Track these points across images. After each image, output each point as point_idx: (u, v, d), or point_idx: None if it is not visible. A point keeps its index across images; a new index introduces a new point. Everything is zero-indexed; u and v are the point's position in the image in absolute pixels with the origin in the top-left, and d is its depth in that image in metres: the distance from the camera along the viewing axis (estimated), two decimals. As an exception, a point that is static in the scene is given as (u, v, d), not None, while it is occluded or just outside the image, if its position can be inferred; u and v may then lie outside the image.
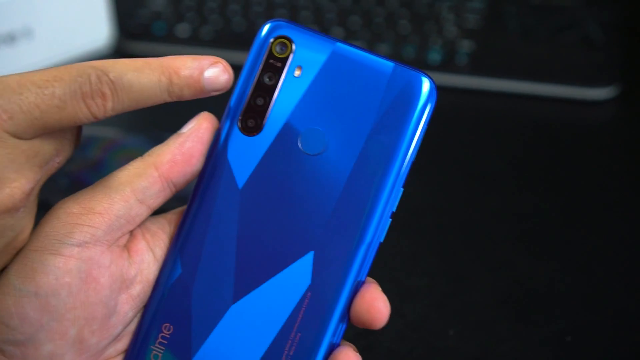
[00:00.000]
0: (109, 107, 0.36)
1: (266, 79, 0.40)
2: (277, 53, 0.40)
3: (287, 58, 0.40)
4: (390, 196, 0.39)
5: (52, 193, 0.58)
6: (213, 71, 0.38)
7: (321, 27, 0.82)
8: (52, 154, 0.36)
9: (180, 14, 0.84)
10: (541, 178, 0.67)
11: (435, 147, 0.68)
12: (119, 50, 0.82)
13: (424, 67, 0.78)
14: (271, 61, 0.40)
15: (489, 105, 0.77)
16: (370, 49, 0.77)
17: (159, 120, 0.71)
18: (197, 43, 0.81)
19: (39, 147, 0.35)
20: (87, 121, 0.36)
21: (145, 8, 0.85)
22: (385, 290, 0.53)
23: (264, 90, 0.40)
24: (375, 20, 0.83)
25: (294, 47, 0.40)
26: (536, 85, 0.77)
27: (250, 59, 0.40)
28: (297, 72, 0.40)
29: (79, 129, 0.39)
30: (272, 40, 0.40)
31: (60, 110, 0.34)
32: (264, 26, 0.41)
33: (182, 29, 0.82)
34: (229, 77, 0.39)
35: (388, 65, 0.40)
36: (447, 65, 0.78)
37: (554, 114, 0.75)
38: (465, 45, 0.80)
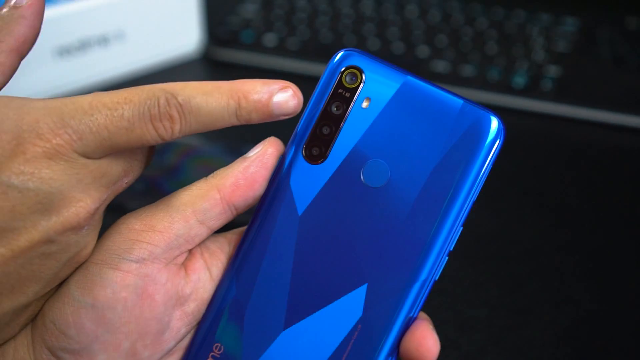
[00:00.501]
0: (176, 129, 0.36)
1: (334, 109, 0.40)
2: (347, 83, 0.40)
3: (356, 89, 0.40)
4: (449, 235, 0.39)
5: (128, 197, 0.60)
6: (282, 96, 0.39)
7: (407, 44, 0.82)
8: (120, 175, 0.37)
9: (270, 23, 0.85)
10: (618, 214, 0.65)
11: (510, 174, 0.69)
12: (207, 56, 0.82)
13: (507, 90, 0.76)
14: (340, 91, 0.40)
15: (572, 133, 0.75)
16: (454, 70, 0.78)
17: (239, 130, 0.71)
18: (283, 53, 0.81)
19: (107, 167, 0.36)
20: (155, 142, 0.36)
21: (236, 15, 0.86)
22: (443, 320, 0.53)
23: (331, 120, 0.40)
24: (462, 39, 0.82)
25: (364, 77, 0.40)
26: (622, 116, 0.74)
27: (320, 86, 0.41)
28: (365, 104, 0.40)
29: (150, 150, 0.40)
30: (343, 69, 0.40)
31: (129, 132, 0.35)
32: (336, 54, 0.41)
33: (270, 38, 0.82)
34: (298, 102, 0.39)
35: (457, 102, 0.40)
36: (531, 90, 0.76)
37: (640, 146, 0.74)
38: (552, 70, 0.78)
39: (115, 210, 0.45)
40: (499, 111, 0.73)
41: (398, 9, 0.87)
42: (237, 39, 0.83)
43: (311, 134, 0.40)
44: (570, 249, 0.61)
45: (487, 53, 0.81)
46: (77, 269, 0.38)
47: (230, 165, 0.40)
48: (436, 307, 0.55)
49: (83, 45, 0.75)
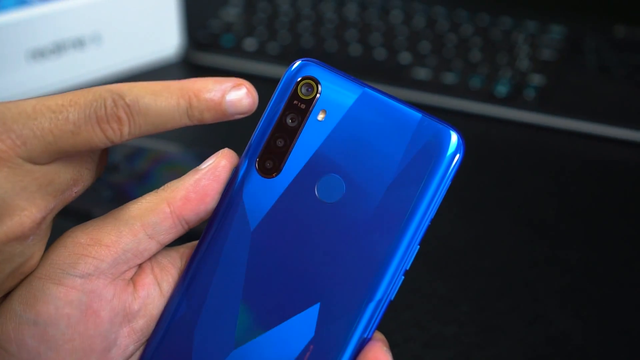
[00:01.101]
0: (125, 131, 0.35)
1: (289, 120, 0.39)
2: (303, 94, 0.39)
3: (312, 100, 0.39)
4: (405, 253, 0.38)
5: (95, 205, 0.59)
6: (236, 94, 0.38)
7: (389, 50, 0.80)
8: (69, 183, 0.36)
9: (252, 27, 0.83)
10: (598, 229, 0.63)
11: (487, 184, 0.67)
12: (186, 60, 0.81)
13: (489, 99, 0.75)
14: (295, 102, 0.39)
15: (553, 144, 0.73)
16: (436, 77, 0.77)
17: (214, 136, 0.70)
18: (262, 58, 0.80)
19: (54, 174, 0.35)
20: (104, 145, 0.36)
21: (217, 19, 0.85)
22: (409, 336, 0.52)
23: (286, 132, 0.39)
24: (446, 46, 0.81)
25: (320, 88, 0.39)
26: (606, 127, 0.73)
27: (276, 97, 0.40)
28: (320, 116, 0.39)
29: (101, 158, 0.39)
30: (299, 80, 0.39)
31: (75, 135, 0.34)
32: (292, 64, 0.40)
33: (250, 43, 0.81)
34: (253, 100, 0.38)
35: (415, 115, 0.39)
36: (513, 98, 0.75)
37: (625, 159, 0.72)
38: (536, 79, 0.77)
39: (82, 218, 0.44)
40: (480, 120, 0.75)
41: (382, 14, 0.86)
42: (217, 43, 0.81)
43: (265, 147, 0.39)
44: (546, 265, 0.60)
45: (470, 60, 0.79)
46: (20, 282, 0.37)
47: (181, 177, 0.39)
48: (403, 322, 0.53)
49: (58, 48, 0.74)
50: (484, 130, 0.73)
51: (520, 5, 0.88)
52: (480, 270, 0.59)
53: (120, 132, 0.35)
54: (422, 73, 0.77)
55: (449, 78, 0.77)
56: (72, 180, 0.37)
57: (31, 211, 0.35)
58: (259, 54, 0.80)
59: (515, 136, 0.74)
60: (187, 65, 0.81)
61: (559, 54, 0.81)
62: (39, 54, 0.73)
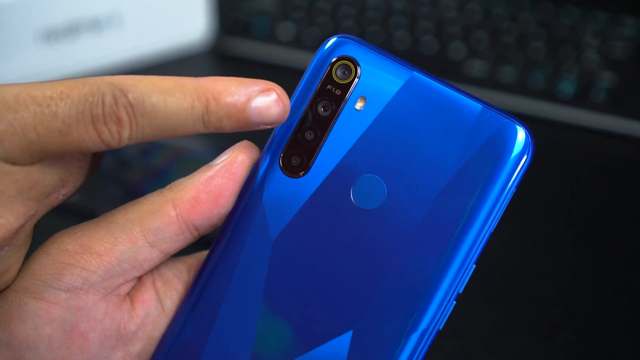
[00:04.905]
0: (124, 135, 0.32)
1: (320, 109, 0.35)
2: (338, 78, 0.35)
3: (349, 85, 0.35)
4: (458, 274, 0.34)
5: (103, 204, 0.54)
6: (263, 100, 0.34)
7: (440, 41, 0.75)
8: (55, 185, 0.33)
9: (288, 12, 0.79)
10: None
11: (547, 197, 0.63)
12: (215, 47, 0.77)
13: (552, 99, 0.70)
14: (329, 87, 0.35)
15: (627, 153, 0.68)
16: (492, 73, 0.72)
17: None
18: (298, 47, 0.75)
19: (38, 176, 0.32)
20: (97, 149, 0.32)
21: (250, 1, 0.80)
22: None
23: (316, 123, 0.35)
24: (504, 38, 0.76)
25: (359, 71, 0.35)
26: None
27: (305, 80, 0.36)
28: (359, 104, 0.35)
29: (98, 153, 0.35)
30: (333, 60, 0.35)
31: (63, 136, 0.31)
32: (327, 41, 0.36)
33: (285, 30, 0.77)
34: (283, 109, 0.34)
35: (475, 106, 0.34)
36: (580, 99, 0.70)
37: None
38: (607, 78, 0.71)
39: (86, 218, 0.40)
40: (541, 123, 0.68)
41: (433, 0, 0.81)
42: (249, 29, 0.77)
43: (291, 140, 0.35)
44: (615, 292, 0.54)
45: (530, 55, 0.74)
46: None
47: (191, 175, 0.36)
48: (449, 355, 0.48)
49: (72, 29, 0.70)
50: (545, 135, 0.68)
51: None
52: (538, 297, 0.54)
53: (119, 135, 0.32)
54: (476, 68, 0.72)
55: (507, 74, 0.72)
56: (60, 181, 0.33)
57: (7, 219, 0.31)
58: (296, 43, 0.76)
59: (582, 142, 0.69)
60: (214, 53, 0.77)
61: (632, 50, 0.75)
62: (51, 35, 0.69)
